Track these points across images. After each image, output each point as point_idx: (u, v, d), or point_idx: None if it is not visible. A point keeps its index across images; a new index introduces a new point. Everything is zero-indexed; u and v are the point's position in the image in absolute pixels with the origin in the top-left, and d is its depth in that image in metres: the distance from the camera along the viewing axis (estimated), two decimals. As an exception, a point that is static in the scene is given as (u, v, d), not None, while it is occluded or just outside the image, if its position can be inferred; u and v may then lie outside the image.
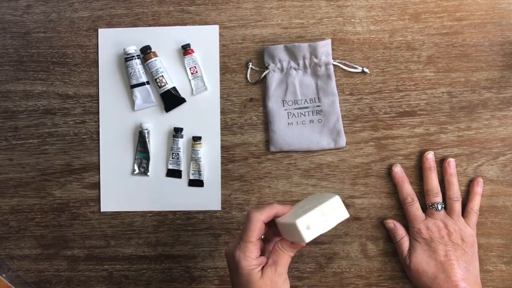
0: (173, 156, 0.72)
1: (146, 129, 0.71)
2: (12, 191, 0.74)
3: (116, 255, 0.74)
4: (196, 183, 0.72)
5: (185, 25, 0.72)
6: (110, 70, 0.73)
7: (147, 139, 0.72)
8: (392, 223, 0.69)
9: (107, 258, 0.74)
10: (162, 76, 0.71)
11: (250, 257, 0.53)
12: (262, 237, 0.57)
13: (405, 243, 0.67)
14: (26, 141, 0.74)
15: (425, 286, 0.65)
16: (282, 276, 0.54)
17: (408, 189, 0.68)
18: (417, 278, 0.65)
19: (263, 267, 0.54)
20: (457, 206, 0.66)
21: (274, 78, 0.70)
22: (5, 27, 0.74)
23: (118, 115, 0.73)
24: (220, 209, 0.72)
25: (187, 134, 0.72)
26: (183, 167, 0.72)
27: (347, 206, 0.70)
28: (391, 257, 0.70)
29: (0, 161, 0.74)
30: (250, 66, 0.71)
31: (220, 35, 0.72)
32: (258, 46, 0.71)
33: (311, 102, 0.70)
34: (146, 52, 0.71)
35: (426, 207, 0.67)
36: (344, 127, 0.70)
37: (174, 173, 0.72)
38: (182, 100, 0.72)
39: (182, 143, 0.72)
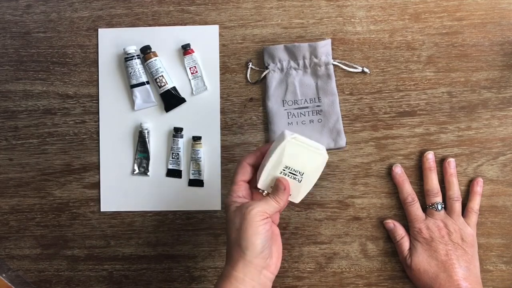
0: (173, 156, 0.72)
1: (146, 129, 0.71)
2: (12, 191, 0.74)
3: (116, 255, 0.73)
4: (196, 183, 0.72)
5: (185, 25, 0.72)
6: (110, 70, 0.73)
7: (147, 139, 0.71)
8: (391, 223, 0.69)
9: (107, 258, 0.74)
10: (162, 76, 0.71)
11: (232, 195, 0.57)
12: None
13: (405, 243, 0.67)
14: (26, 141, 0.74)
15: (426, 286, 0.65)
16: (256, 215, 0.54)
17: (408, 189, 0.68)
18: (418, 278, 0.65)
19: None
20: (457, 206, 0.66)
21: (274, 78, 0.70)
22: (5, 27, 0.74)
23: (118, 115, 0.73)
24: (220, 209, 0.72)
25: (187, 134, 0.72)
26: (183, 167, 0.72)
27: (347, 206, 0.70)
28: (391, 257, 0.70)
29: (0, 161, 0.74)
30: (250, 66, 0.71)
31: (220, 35, 0.72)
32: (258, 46, 0.71)
33: (311, 102, 0.70)
34: (146, 52, 0.71)
35: (426, 207, 0.67)
36: (344, 127, 0.70)
37: (174, 173, 0.72)
38: (182, 100, 0.72)
39: (182, 143, 0.72)
